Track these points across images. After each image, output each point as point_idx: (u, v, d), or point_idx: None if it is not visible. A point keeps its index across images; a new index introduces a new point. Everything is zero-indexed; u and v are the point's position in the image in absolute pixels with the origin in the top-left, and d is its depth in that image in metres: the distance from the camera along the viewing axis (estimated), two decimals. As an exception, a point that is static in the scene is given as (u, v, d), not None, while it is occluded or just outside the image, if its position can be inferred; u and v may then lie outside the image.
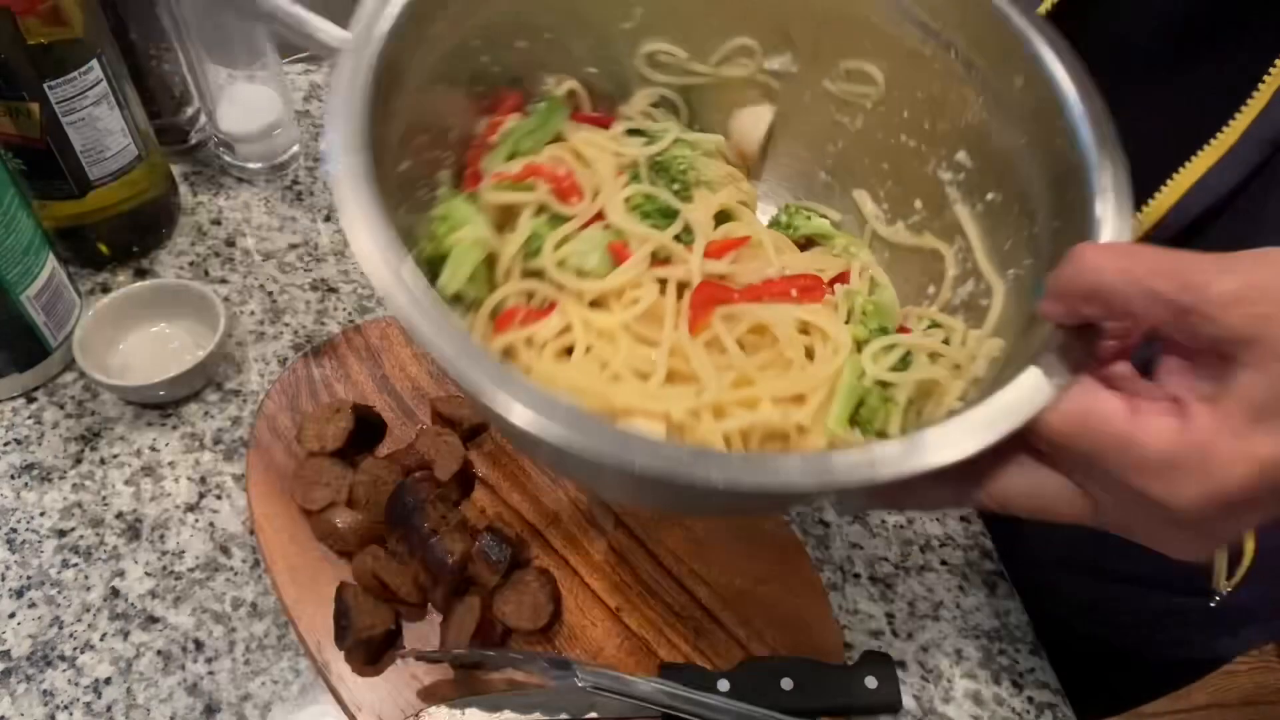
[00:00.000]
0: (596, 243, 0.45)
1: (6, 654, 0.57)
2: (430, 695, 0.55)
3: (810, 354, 0.44)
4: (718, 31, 0.50)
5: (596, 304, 0.44)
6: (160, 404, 0.69)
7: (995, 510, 0.35)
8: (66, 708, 0.55)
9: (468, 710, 0.54)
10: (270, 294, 0.77)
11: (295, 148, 0.86)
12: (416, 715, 0.54)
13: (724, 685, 0.55)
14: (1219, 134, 0.46)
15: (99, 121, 0.67)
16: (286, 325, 0.75)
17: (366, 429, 0.65)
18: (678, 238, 0.46)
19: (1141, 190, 0.43)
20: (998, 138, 0.43)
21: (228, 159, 0.84)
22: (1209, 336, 0.29)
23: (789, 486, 0.32)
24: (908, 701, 0.58)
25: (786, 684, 0.55)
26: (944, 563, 0.65)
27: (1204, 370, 0.30)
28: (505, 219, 0.46)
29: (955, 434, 0.32)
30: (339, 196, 0.36)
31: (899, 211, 0.50)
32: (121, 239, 0.76)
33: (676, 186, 0.48)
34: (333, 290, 0.78)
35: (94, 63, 0.65)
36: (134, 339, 0.71)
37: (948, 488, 0.36)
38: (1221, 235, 0.47)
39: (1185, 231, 0.48)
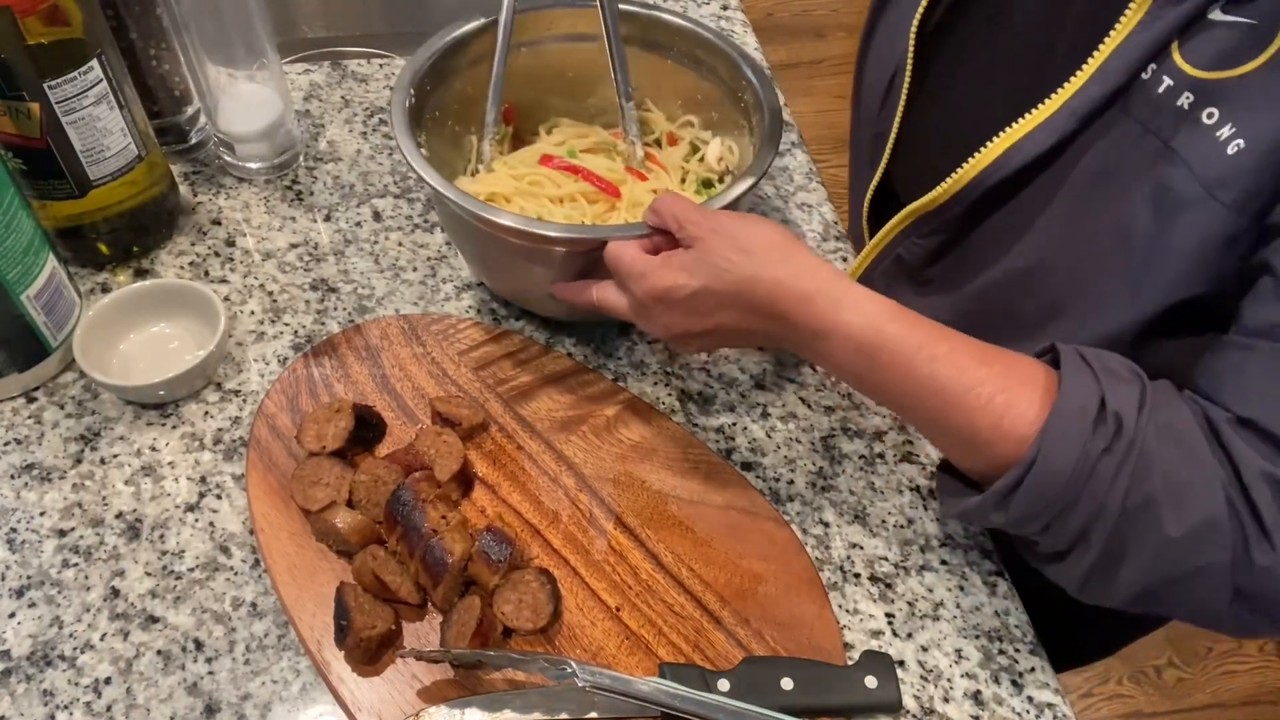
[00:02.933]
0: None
1: (6, 654, 0.57)
2: (430, 695, 0.55)
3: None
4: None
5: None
6: (160, 404, 0.69)
7: (596, 304, 0.64)
8: (66, 708, 0.55)
9: (468, 710, 0.54)
10: (270, 294, 0.77)
11: (295, 148, 0.86)
12: (416, 715, 0.54)
13: (724, 685, 0.55)
14: (1040, 105, 0.55)
15: (99, 121, 0.67)
16: (286, 325, 0.75)
17: (366, 429, 0.65)
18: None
19: (965, 146, 0.59)
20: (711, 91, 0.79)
21: (228, 159, 0.84)
22: (682, 236, 0.58)
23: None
24: (908, 701, 0.58)
25: (786, 684, 0.55)
26: (944, 563, 0.65)
27: (678, 248, 0.59)
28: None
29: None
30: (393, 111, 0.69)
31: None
32: (122, 239, 0.76)
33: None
34: (333, 290, 0.78)
35: (94, 62, 0.65)
36: (134, 339, 0.71)
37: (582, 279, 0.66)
38: (1030, 196, 0.57)
39: (996, 189, 0.58)
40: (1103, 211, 0.54)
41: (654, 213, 0.61)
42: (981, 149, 0.58)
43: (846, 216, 0.84)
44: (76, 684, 0.56)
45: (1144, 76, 0.51)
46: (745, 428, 0.71)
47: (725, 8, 1.08)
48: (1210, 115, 0.48)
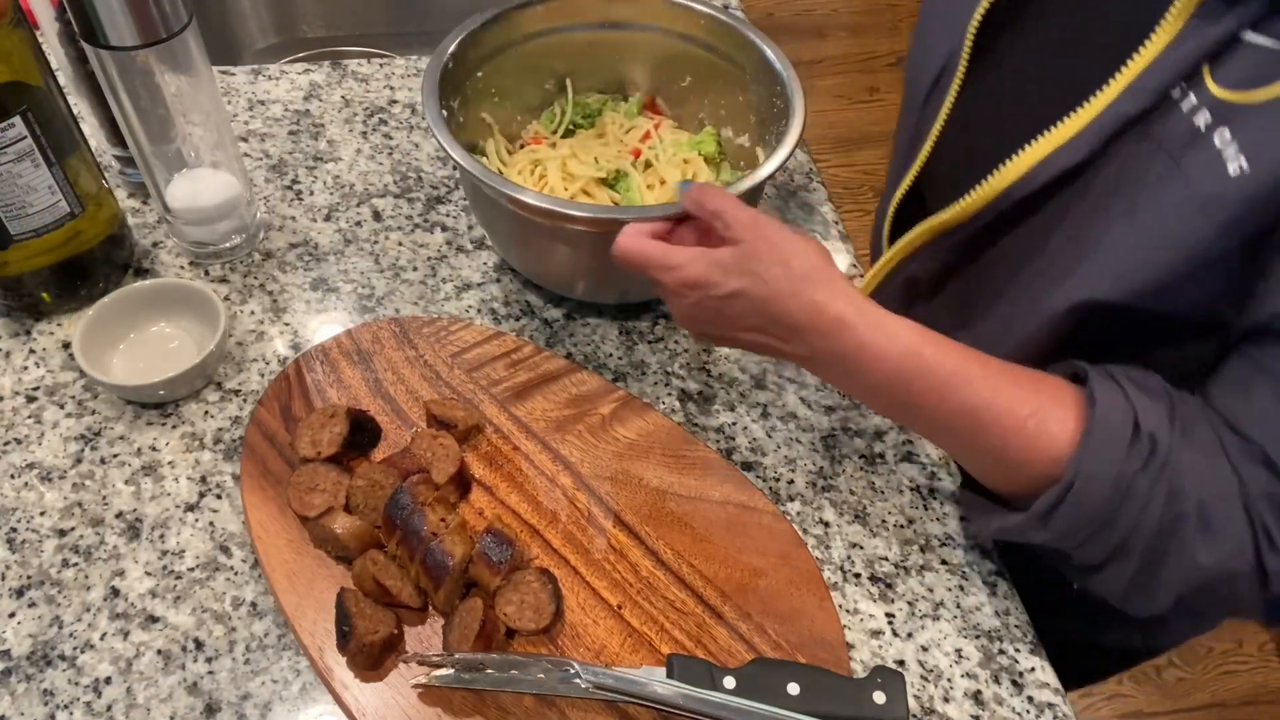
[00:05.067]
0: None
1: (6, 654, 0.57)
2: (433, 699, 0.55)
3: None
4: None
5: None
6: (160, 404, 0.69)
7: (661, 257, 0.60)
8: (66, 707, 0.55)
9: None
10: (270, 294, 0.77)
11: (243, 237, 0.79)
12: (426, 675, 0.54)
13: (730, 682, 0.55)
14: (1069, 116, 0.54)
15: (19, 179, 0.65)
16: (286, 325, 0.75)
17: (361, 433, 0.65)
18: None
19: (999, 150, 0.57)
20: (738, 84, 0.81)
21: (175, 239, 0.79)
22: (726, 234, 0.57)
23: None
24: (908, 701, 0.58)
25: (793, 689, 0.55)
26: (944, 563, 0.65)
27: (717, 244, 0.58)
28: None
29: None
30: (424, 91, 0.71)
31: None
32: (64, 286, 0.73)
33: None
34: (333, 290, 0.78)
35: (15, 119, 0.63)
36: (134, 339, 0.71)
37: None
38: (1056, 206, 0.56)
39: (1030, 197, 0.57)
40: (1108, 222, 0.53)
41: (695, 203, 0.60)
42: (1008, 161, 0.57)
43: (846, 217, 0.84)
44: (76, 684, 0.56)
45: (1173, 96, 0.50)
46: (745, 428, 0.72)
47: (726, 7, 1.08)
48: (1222, 137, 0.48)
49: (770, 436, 0.71)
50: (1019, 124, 0.57)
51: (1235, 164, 0.47)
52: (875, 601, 0.63)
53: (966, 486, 0.60)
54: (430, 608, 0.59)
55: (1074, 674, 0.80)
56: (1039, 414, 0.52)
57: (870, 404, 0.59)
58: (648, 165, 0.80)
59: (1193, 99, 0.49)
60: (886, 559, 0.65)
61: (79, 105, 0.78)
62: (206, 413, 0.69)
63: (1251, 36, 0.48)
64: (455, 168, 0.89)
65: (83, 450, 0.66)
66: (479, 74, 0.78)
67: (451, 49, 0.74)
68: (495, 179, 0.66)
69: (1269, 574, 0.49)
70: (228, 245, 0.79)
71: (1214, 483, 0.49)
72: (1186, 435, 0.50)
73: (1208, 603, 0.52)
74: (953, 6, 0.63)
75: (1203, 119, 0.49)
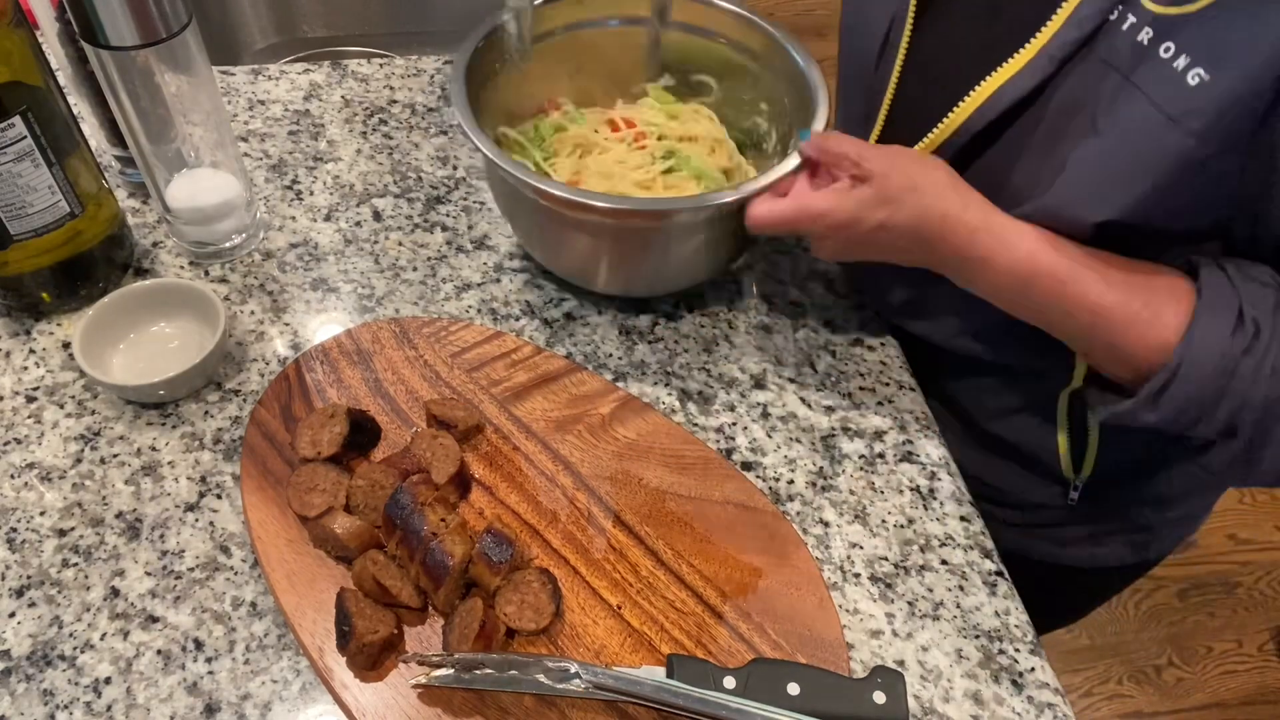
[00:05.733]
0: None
1: (6, 654, 0.57)
2: (433, 699, 0.55)
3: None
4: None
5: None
6: (160, 404, 0.69)
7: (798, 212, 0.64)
8: (66, 707, 0.55)
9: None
10: (270, 294, 0.77)
11: (243, 237, 0.79)
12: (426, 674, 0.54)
13: (730, 682, 0.55)
14: (1018, 52, 0.58)
15: (19, 179, 0.65)
16: (286, 325, 0.75)
17: (361, 433, 0.65)
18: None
19: (954, 93, 0.62)
20: (765, 77, 0.80)
21: (174, 239, 0.79)
22: (857, 172, 0.61)
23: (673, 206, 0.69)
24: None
25: (793, 689, 0.55)
26: (944, 563, 0.65)
27: (853, 183, 0.62)
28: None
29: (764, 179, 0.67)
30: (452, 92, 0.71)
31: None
32: (63, 286, 0.73)
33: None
34: (333, 290, 0.78)
35: (15, 119, 0.63)
36: (134, 339, 0.71)
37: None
38: (1013, 136, 0.61)
39: (983, 132, 0.61)
40: (1071, 142, 0.57)
41: (819, 149, 0.64)
42: (967, 96, 0.61)
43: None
44: (76, 684, 0.56)
45: (1111, 18, 0.54)
46: (745, 428, 0.72)
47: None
48: (1167, 50, 0.51)
49: (770, 436, 0.71)
50: (973, 65, 0.61)
51: (1194, 74, 0.50)
52: (875, 601, 0.63)
53: (1089, 381, 0.65)
54: (430, 608, 0.59)
55: (1067, 602, 0.92)
56: (1151, 306, 0.56)
57: (998, 303, 0.62)
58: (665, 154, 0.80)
59: (1131, 18, 0.53)
60: (886, 559, 0.65)
61: (79, 105, 0.78)
62: (206, 413, 0.69)
63: None
64: (456, 165, 0.89)
65: (83, 450, 0.66)
66: (499, 71, 0.78)
67: (478, 43, 0.74)
68: (520, 169, 0.66)
69: None
70: (228, 245, 0.79)
71: None
72: None
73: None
74: None
75: (1145, 35, 0.52)
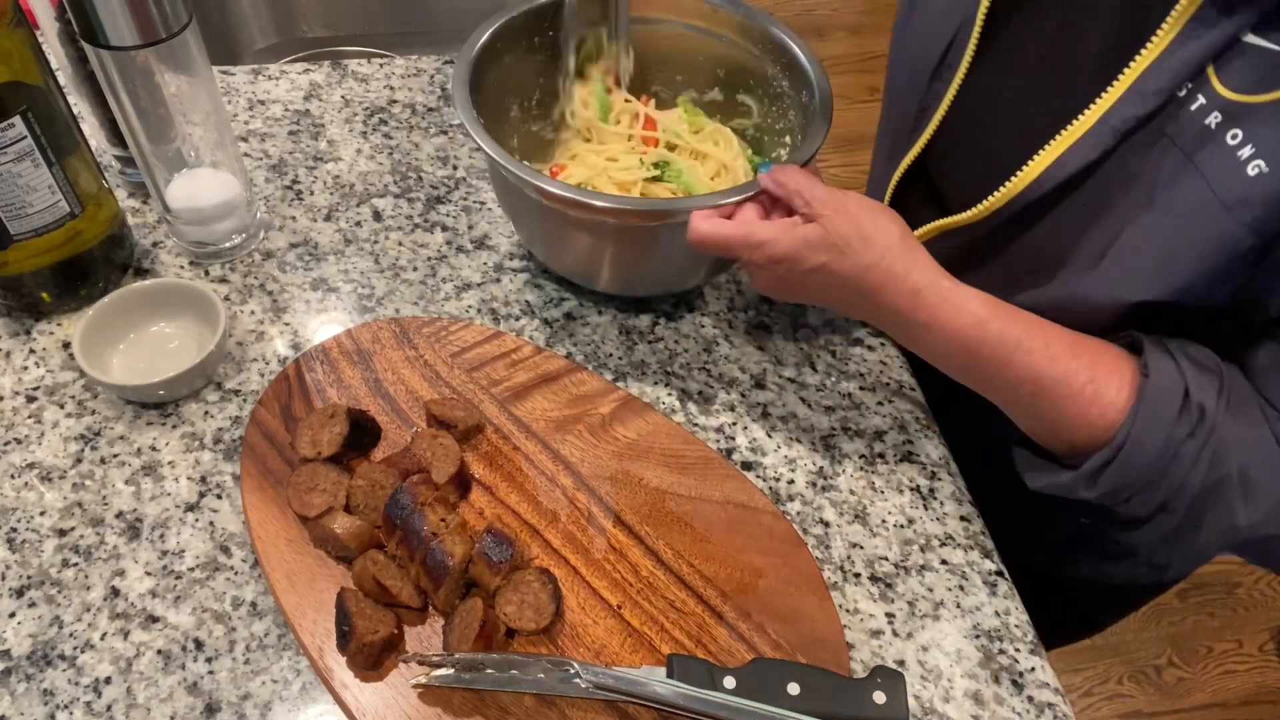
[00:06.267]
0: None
1: (6, 654, 0.57)
2: (433, 699, 0.55)
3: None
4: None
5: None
6: (160, 404, 0.69)
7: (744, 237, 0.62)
8: (66, 707, 0.55)
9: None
10: (270, 294, 0.77)
11: (243, 237, 0.79)
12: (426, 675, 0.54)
13: (730, 682, 0.55)
14: (1077, 119, 0.56)
15: (19, 179, 0.65)
16: (286, 325, 0.75)
17: (361, 433, 0.65)
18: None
19: (1003, 146, 0.61)
20: (775, 82, 0.80)
21: (174, 239, 0.79)
22: (808, 211, 0.60)
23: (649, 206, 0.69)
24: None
25: (793, 689, 0.55)
26: (944, 563, 0.65)
27: (802, 220, 0.61)
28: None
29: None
30: (455, 90, 0.71)
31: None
32: (63, 286, 0.73)
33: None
34: (333, 290, 0.78)
35: (15, 120, 0.63)
36: (134, 339, 0.71)
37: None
38: (1067, 205, 0.59)
39: (1045, 197, 0.59)
40: (1124, 216, 0.55)
41: (776, 182, 0.62)
42: (1025, 167, 0.59)
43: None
44: (76, 684, 0.56)
45: (1179, 95, 0.52)
46: (745, 427, 0.72)
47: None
48: (1234, 136, 0.50)
49: (770, 436, 0.71)
50: (1030, 115, 0.60)
51: (1254, 165, 0.49)
52: (875, 601, 0.63)
53: (1021, 444, 0.64)
54: (430, 608, 0.59)
55: (1083, 617, 0.91)
56: (1095, 382, 0.56)
57: (940, 367, 0.62)
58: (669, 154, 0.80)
59: (1201, 99, 0.51)
60: (886, 559, 0.65)
61: (79, 105, 0.78)
62: (206, 413, 0.69)
63: (1253, 39, 0.49)
64: (456, 165, 0.89)
65: (83, 450, 0.66)
66: (503, 69, 0.77)
67: (482, 42, 0.74)
68: (522, 168, 0.66)
69: None
70: (228, 245, 0.79)
71: (1257, 450, 0.53)
72: (1232, 406, 0.54)
73: (1247, 555, 0.57)
74: None
75: (1213, 118, 0.50)
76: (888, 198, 0.76)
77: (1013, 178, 0.59)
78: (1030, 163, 0.58)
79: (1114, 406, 0.55)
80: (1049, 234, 0.60)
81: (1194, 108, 0.51)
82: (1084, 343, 0.57)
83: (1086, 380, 0.56)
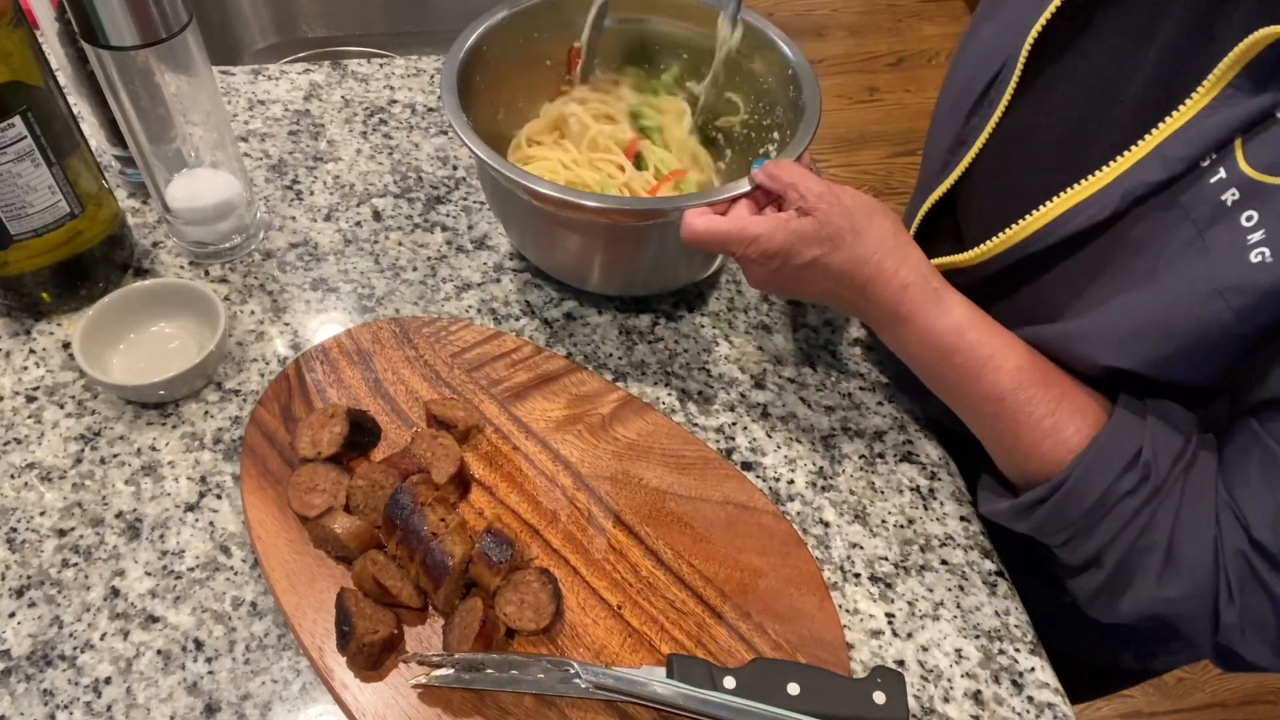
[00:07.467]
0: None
1: (6, 654, 0.57)
2: (433, 699, 0.55)
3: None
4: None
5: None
6: (160, 404, 0.69)
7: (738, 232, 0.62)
8: (66, 707, 0.55)
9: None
10: (270, 294, 0.77)
11: (243, 237, 0.79)
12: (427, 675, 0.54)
13: (730, 682, 0.55)
14: (1093, 175, 0.54)
15: (19, 179, 0.65)
16: (286, 325, 0.75)
17: (361, 433, 0.65)
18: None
19: (1033, 189, 0.58)
20: (763, 81, 0.79)
21: (174, 239, 0.79)
22: (802, 205, 0.60)
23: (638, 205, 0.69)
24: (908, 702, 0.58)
25: (793, 689, 0.55)
26: (944, 563, 0.65)
27: (796, 214, 0.60)
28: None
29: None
30: (444, 91, 0.71)
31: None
32: (63, 286, 0.73)
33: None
34: (333, 290, 0.78)
35: (15, 120, 0.62)
36: (134, 339, 0.71)
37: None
38: (1076, 262, 0.56)
39: (1051, 249, 0.57)
40: (1122, 282, 0.54)
41: (770, 176, 0.62)
42: (1029, 215, 0.57)
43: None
44: (76, 684, 0.56)
45: (1202, 164, 0.50)
46: (745, 427, 0.72)
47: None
48: (1250, 218, 0.47)
49: (770, 436, 0.71)
50: (1053, 163, 0.58)
51: (1259, 252, 0.47)
52: (875, 601, 0.63)
53: (987, 469, 0.63)
54: (430, 608, 0.59)
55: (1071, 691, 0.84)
56: (1055, 416, 0.55)
57: (914, 369, 0.62)
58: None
59: (1222, 173, 0.49)
60: (886, 559, 0.65)
61: (79, 105, 0.78)
62: (206, 413, 0.69)
63: None
64: (456, 165, 0.89)
65: (83, 450, 0.66)
66: (492, 69, 0.77)
67: (470, 42, 0.74)
68: (512, 169, 0.66)
69: (1222, 624, 0.52)
70: (228, 245, 0.79)
71: (1195, 526, 0.52)
72: (1187, 475, 0.52)
73: (1166, 629, 0.55)
74: (1012, 17, 0.62)
75: (1230, 195, 0.48)
76: (914, 229, 0.72)
77: (1014, 225, 0.58)
78: (1035, 213, 0.57)
79: (1066, 446, 0.54)
80: (1048, 287, 0.59)
81: (1214, 180, 0.49)
82: (1057, 376, 0.56)
83: (1047, 413, 0.55)
